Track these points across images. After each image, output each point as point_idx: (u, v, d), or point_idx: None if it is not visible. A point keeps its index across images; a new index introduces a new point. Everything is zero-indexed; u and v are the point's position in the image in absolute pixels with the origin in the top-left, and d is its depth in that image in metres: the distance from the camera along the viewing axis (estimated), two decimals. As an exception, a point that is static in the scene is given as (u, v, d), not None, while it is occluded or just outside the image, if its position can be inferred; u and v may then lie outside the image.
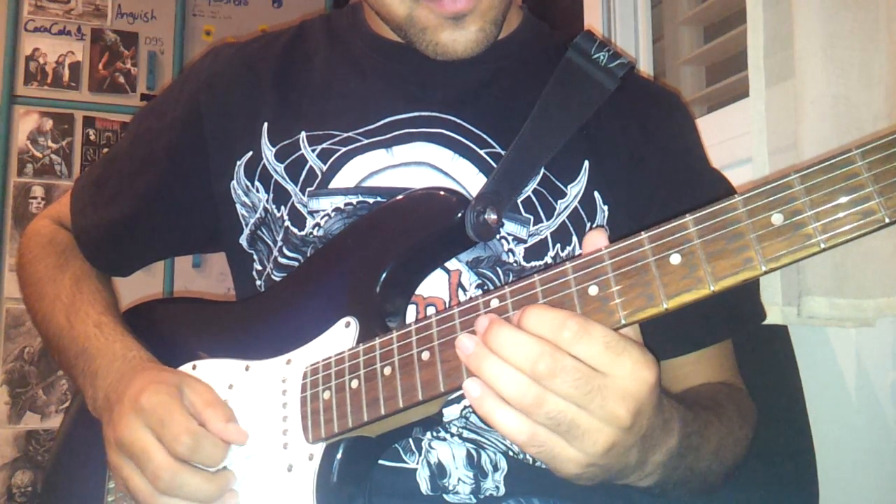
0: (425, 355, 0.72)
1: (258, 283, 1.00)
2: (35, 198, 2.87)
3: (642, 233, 0.63)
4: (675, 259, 0.61)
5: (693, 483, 0.82)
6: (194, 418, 0.81)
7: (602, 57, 0.99)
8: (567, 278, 0.66)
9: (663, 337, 0.96)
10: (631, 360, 0.62)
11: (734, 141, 1.38)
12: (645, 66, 1.88)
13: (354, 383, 0.76)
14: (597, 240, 0.66)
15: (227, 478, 0.82)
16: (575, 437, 0.62)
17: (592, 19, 1.97)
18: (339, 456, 0.77)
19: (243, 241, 1.02)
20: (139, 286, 1.21)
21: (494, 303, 0.69)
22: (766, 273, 0.59)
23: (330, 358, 0.80)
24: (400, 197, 0.88)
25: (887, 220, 0.55)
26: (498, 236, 0.91)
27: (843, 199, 0.56)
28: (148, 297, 1.11)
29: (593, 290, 0.64)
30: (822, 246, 0.57)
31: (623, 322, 0.63)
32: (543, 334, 0.61)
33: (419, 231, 0.85)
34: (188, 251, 1.33)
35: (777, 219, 0.58)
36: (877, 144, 0.56)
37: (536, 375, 0.60)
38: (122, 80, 3.00)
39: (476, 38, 0.93)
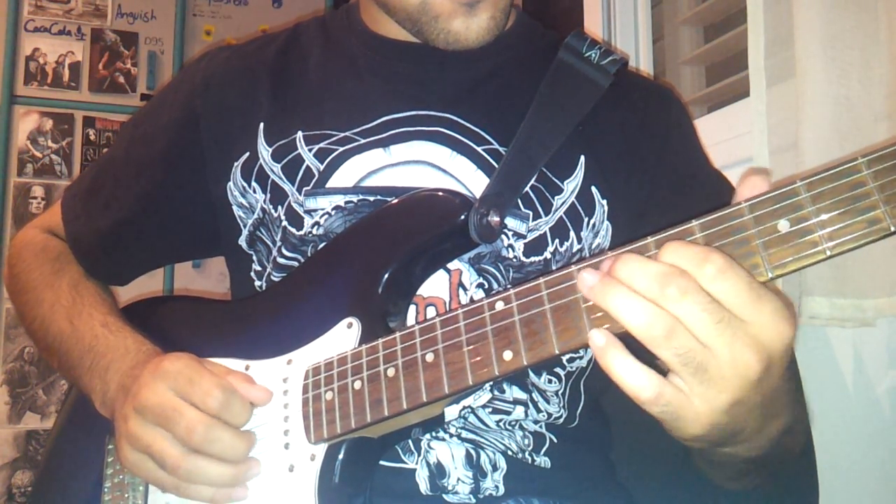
0: (429, 357, 0.72)
1: (257, 283, 1.00)
2: (35, 198, 2.87)
3: (648, 237, 0.63)
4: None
5: (770, 486, 0.80)
6: None
7: (594, 55, 0.99)
8: (573, 282, 0.65)
9: None
10: (770, 307, 0.58)
11: (734, 141, 1.38)
12: (645, 66, 1.89)
13: (357, 384, 0.77)
14: (757, 182, 0.61)
15: (252, 438, 0.82)
16: (701, 383, 0.58)
17: (592, 19, 1.97)
18: (341, 456, 0.78)
19: (242, 242, 1.01)
20: (139, 286, 1.21)
21: (499, 305, 0.69)
22: (772, 280, 0.59)
23: (332, 358, 0.80)
24: (402, 198, 0.88)
25: (892, 229, 0.56)
26: None
27: (850, 207, 0.57)
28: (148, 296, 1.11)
29: None
30: (829, 253, 0.57)
31: None
32: (687, 269, 0.58)
33: (422, 232, 0.85)
34: (188, 256, 1.32)
35: (783, 226, 0.58)
36: (883, 154, 0.56)
37: (666, 298, 0.57)
38: (122, 80, 3.00)
39: (487, 27, 0.94)
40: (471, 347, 0.70)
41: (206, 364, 0.85)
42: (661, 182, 0.98)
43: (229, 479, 0.80)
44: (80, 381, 0.97)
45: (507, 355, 0.68)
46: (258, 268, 1.00)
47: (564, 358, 0.94)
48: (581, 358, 0.95)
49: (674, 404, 0.59)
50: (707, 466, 0.78)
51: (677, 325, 0.57)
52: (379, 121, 0.97)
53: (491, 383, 0.89)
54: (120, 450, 0.85)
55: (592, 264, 0.64)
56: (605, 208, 0.95)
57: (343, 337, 0.82)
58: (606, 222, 0.95)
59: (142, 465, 0.83)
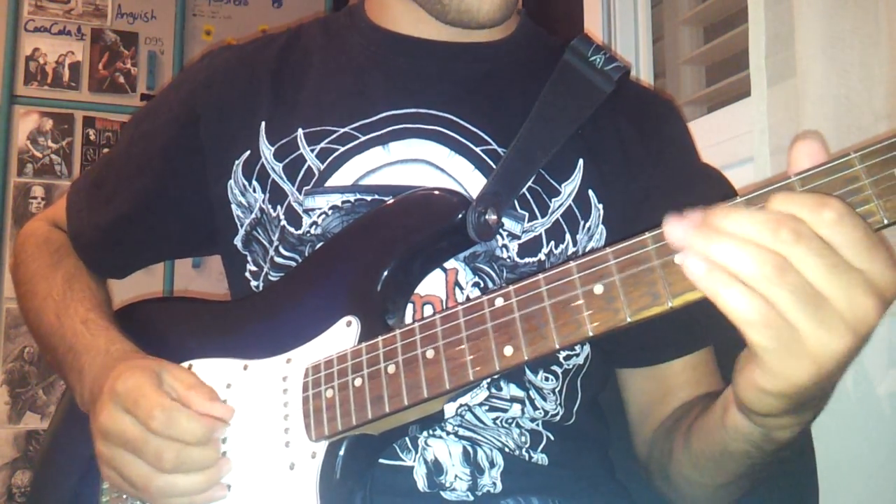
0: (430, 353, 0.73)
1: (253, 283, 1.00)
2: (35, 198, 2.87)
3: (646, 233, 0.63)
4: (680, 259, 0.61)
5: (764, 472, 0.79)
6: (174, 400, 0.82)
7: (598, 59, 0.99)
8: (572, 278, 0.66)
9: (649, 345, 0.97)
10: (884, 255, 0.56)
11: (735, 140, 1.38)
12: (645, 66, 1.89)
13: (358, 381, 0.77)
14: (814, 149, 0.59)
15: (217, 442, 0.83)
16: (819, 325, 0.55)
17: (592, 19, 1.97)
18: (341, 453, 0.78)
19: (238, 242, 1.02)
20: (139, 286, 1.21)
21: (499, 301, 0.70)
22: None
23: (332, 356, 0.80)
24: (400, 196, 0.88)
25: (886, 221, 0.57)
26: None
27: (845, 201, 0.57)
28: (146, 297, 1.11)
29: (598, 290, 0.64)
30: None
31: (629, 321, 0.63)
32: (800, 215, 0.55)
33: (421, 231, 0.85)
34: (185, 254, 1.33)
35: None
36: (875, 149, 0.57)
37: (779, 242, 0.54)
38: (122, 80, 3.00)
39: (499, 4, 0.95)
40: (471, 343, 0.71)
41: (171, 376, 0.84)
42: (655, 191, 0.98)
43: (202, 486, 0.81)
44: (66, 378, 0.98)
45: (508, 350, 0.68)
46: (254, 268, 1.00)
47: (561, 356, 0.94)
48: (578, 355, 0.96)
49: (782, 332, 0.56)
50: (740, 448, 0.75)
51: (788, 262, 0.55)
52: (379, 116, 0.97)
53: (488, 381, 0.89)
54: (98, 463, 0.87)
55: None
56: (601, 212, 0.96)
57: (342, 335, 0.82)
58: (601, 226, 0.96)
59: (116, 481, 0.84)
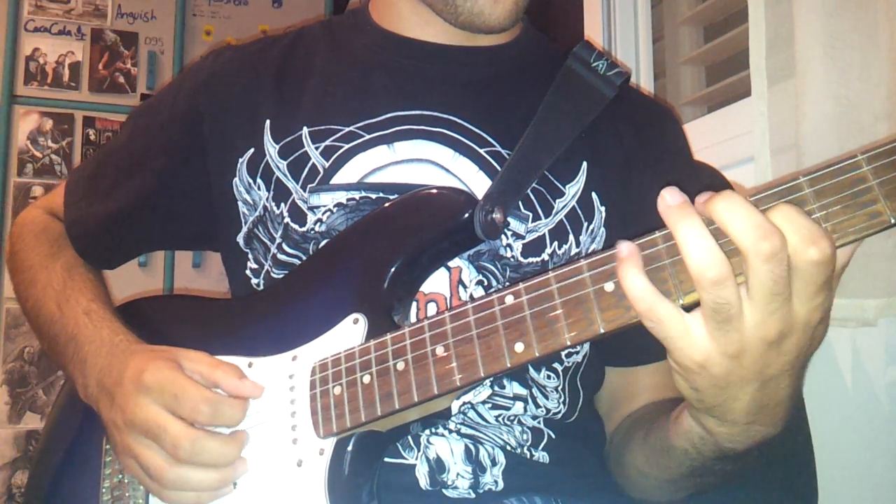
0: (440, 351, 0.73)
1: (254, 281, 1.00)
2: (35, 198, 2.87)
3: (656, 232, 0.64)
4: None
5: (732, 477, 0.81)
6: (203, 385, 0.83)
7: (601, 66, 1.01)
8: (582, 276, 0.67)
9: (628, 348, 0.99)
10: (827, 305, 0.59)
11: (735, 140, 1.39)
12: (645, 66, 1.89)
13: (366, 378, 0.77)
14: None
15: (242, 438, 0.83)
16: (719, 330, 0.59)
17: (592, 19, 1.98)
18: (349, 449, 0.78)
19: (240, 239, 1.02)
20: (139, 285, 1.22)
21: (509, 299, 0.70)
22: None
23: (339, 354, 0.81)
24: (407, 195, 0.89)
25: (892, 221, 0.58)
26: None
27: (851, 202, 0.59)
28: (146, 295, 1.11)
29: (609, 287, 0.65)
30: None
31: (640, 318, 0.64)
32: (790, 239, 0.56)
33: (427, 228, 0.86)
34: (178, 247, 1.34)
35: None
36: (882, 150, 0.59)
37: (754, 252, 0.55)
38: (122, 80, 3.00)
39: (511, 9, 0.96)
40: (482, 340, 0.71)
41: (189, 360, 0.85)
42: (654, 193, 0.99)
43: (215, 484, 0.81)
44: (66, 369, 0.98)
45: (519, 347, 0.69)
46: (254, 266, 1.00)
47: (563, 353, 0.95)
48: (577, 353, 0.97)
49: (665, 326, 0.60)
50: (681, 445, 0.78)
51: (731, 277, 0.57)
52: (384, 116, 0.98)
53: (491, 379, 0.90)
54: (116, 454, 0.88)
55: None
56: (603, 215, 0.97)
57: (349, 332, 0.83)
58: (603, 228, 0.97)
59: (133, 470, 0.85)
